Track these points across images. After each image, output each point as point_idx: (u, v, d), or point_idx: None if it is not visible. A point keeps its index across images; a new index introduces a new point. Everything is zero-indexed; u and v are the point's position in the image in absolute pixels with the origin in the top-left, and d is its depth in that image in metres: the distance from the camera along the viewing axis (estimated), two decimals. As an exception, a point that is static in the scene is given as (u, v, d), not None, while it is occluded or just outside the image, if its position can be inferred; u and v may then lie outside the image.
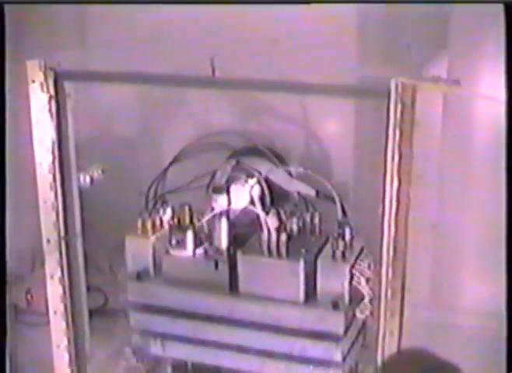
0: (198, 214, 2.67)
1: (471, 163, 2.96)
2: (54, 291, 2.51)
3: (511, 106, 1.97)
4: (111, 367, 2.82)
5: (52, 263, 2.48)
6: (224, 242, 2.53)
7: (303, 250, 2.48)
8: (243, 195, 2.59)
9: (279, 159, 2.79)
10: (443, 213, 2.94)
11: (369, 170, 2.69)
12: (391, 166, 2.05)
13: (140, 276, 2.61)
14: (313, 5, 2.49)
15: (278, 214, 2.59)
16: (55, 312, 2.53)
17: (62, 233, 2.45)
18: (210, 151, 2.79)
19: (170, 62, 2.59)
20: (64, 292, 2.51)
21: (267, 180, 2.67)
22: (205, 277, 2.51)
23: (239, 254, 2.49)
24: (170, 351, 2.67)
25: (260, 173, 2.66)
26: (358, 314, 2.45)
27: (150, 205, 2.80)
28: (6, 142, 2.33)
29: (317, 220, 2.63)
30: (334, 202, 2.57)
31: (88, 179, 2.50)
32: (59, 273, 2.48)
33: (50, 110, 2.29)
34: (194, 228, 2.56)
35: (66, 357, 2.58)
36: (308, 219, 2.64)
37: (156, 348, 2.66)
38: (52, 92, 2.25)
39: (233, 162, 2.71)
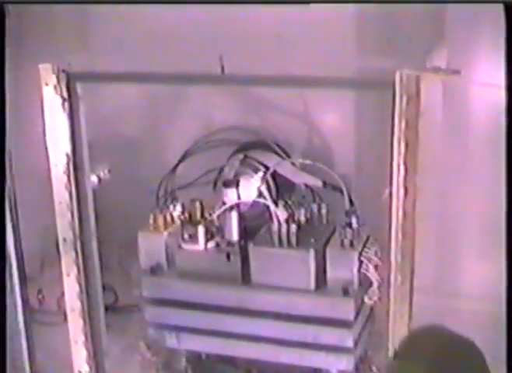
0: (207, 209, 2.72)
1: (472, 151, 3.00)
2: (71, 288, 2.54)
3: (511, 93, 2.02)
4: (126, 361, 2.87)
5: (68, 262, 2.50)
6: (235, 235, 2.58)
7: (312, 240, 2.53)
8: (252, 188, 2.66)
9: (284, 152, 2.85)
10: (446, 200, 2.99)
11: (370, 161, 2.75)
12: (398, 155, 2.10)
13: (154, 270, 2.66)
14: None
15: (287, 206, 2.65)
16: (73, 310, 2.56)
17: (77, 232, 2.47)
18: (216, 147, 2.85)
19: (175, 61, 2.61)
20: (81, 290, 2.54)
21: (274, 173, 2.72)
22: (218, 269, 2.57)
23: (250, 246, 2.55)
24: (185, 343, 2.72)
25: (267, 167, 2.72)
26: (367, 300, 2.50)
27: (161, 202, 2.86)
28: (6, 142, 2.33)
29: (324, 210, 2.69)
30: (341, 192, 2.64)
31: (95, 178, 2.54)
32: (75, 272, 2.51)
33: (64, 112, 2.31)
34: (205, 222, 2.62)
35: (84, 352, 2.62)
36: (315, 210, 2.69)
37: (171, 341, 2.71)
38: (65, 94, 2.28)
39: (241, 156, 2.77)
